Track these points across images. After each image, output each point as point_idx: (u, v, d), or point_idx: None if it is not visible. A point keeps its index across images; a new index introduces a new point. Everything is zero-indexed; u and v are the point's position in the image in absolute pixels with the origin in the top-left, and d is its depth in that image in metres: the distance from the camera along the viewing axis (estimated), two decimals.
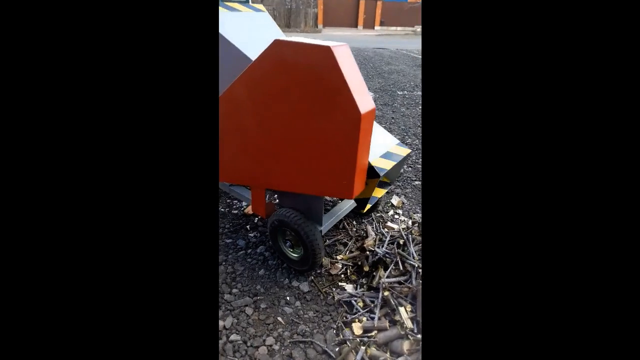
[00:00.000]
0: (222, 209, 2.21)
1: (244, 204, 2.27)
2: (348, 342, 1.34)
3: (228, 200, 2.31)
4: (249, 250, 1.85)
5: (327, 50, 1.06)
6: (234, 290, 1.59)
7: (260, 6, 1.94)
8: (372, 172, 1.38)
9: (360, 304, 1.50)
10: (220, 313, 1.48)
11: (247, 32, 1.68)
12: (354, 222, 2.10)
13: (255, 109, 1.37)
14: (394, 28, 22.21)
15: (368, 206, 1.57)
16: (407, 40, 14.30)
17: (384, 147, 1.56)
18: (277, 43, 1.16)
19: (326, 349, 1.33)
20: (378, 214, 2.18)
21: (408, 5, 21.28)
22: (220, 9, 1.68)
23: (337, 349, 1.34)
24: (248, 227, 2.04)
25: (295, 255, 1.66)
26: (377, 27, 22.99)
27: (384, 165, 1.41)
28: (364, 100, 1.13)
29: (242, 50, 1.55)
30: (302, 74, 1.14)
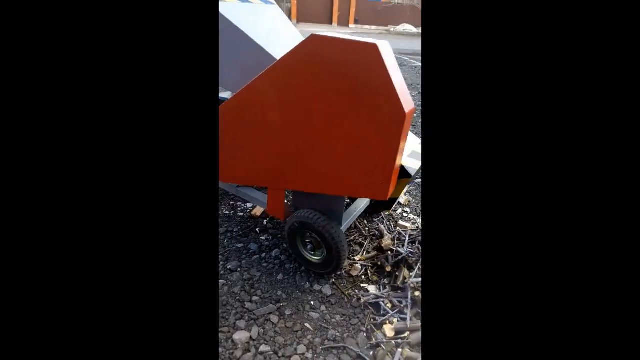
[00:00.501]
0: (227, 212, 2.11)
1: (249, 205, 2.18)
2: (382, 345, 1.32)
3: (232, 202, 2.21)
4: (263, 255, 1.77)
5: (373, 47, 1.02)
6: (255, 298, 1.52)
7: None
8: (402, 172, 1.36)
9: (389, 305, 1.49)
10: (244, 323, 1.40)
11: (262, 25, 1.61)
12: (365, 222, 2.08)
13: (283, 107, 1.30)
14: (368, 27, 22.46)
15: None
16: (384, 40, 14.47)
17: (409, 147, 1.54)
18: (314, 38, 1.11)
19: (360, 353, 1.30)
20: (387, 213, 2.17)
21: (381, 6, 21.59)
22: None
23: (371, 353, 1.31)
24: (257, 230, 1.96)
25: (317, 258, 1.61)
26: (351, 25, 23.14)
27: (414, 165, 1.40)
28: (407, 99, 1.10)
29: (262, 45, 1.47)
30: (343, 71, 1.09)
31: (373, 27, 22.48)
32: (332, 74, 1.12)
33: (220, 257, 1.75)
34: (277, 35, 1.65)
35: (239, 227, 1.97)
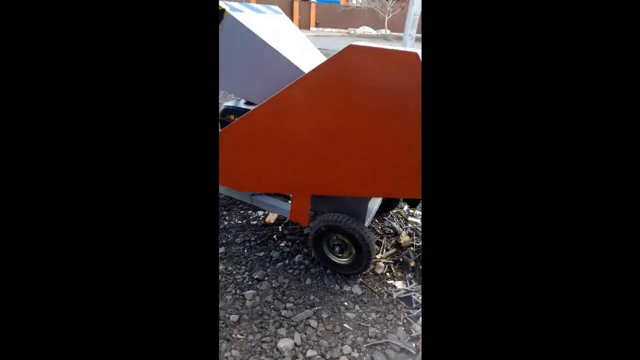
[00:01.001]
0: (240, 221, 2.09)
1: (260, 213, 2.17)
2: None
3: (242, 212, 2.19)
4: (286, 261, 1.78)
5: (415, 56, 1.08)
6: (288, 305, 1.53)
7: (276, 7, 1.87)
8: None
9: (420, 297, 1.56)
10: (284, 331, 1.41)
11: (280, 35, 1.62)
12: (376, 221, 2.15)
13: (317, 116, 1.33)
14: (329, 29, 22.80)
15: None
16: (346, 41, 14.77)
17: None
18: (352, 48, 1.15)
19: (404, 346, 1.36)
20: (395, 211, 2.26)
21: (341, 8, 22.02)
22: (245, 9, 1.59)
23: (413, 345, 1.38)
24: (275, 237, 1.96)
25: (345, 259, 1.65)
26: (312, 28, 23.36)
27: None
28: None
29: (286, 55, 1.49)
30: (383, 80, 1.15)
31: (334, 30, 22.85)
32: (371, 82, 1.18)
33: (244, 267, 1.73)
34: (295, 44, 1.68)
35: (256, 236, 1.96)
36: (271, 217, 2.07)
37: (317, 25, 23.82)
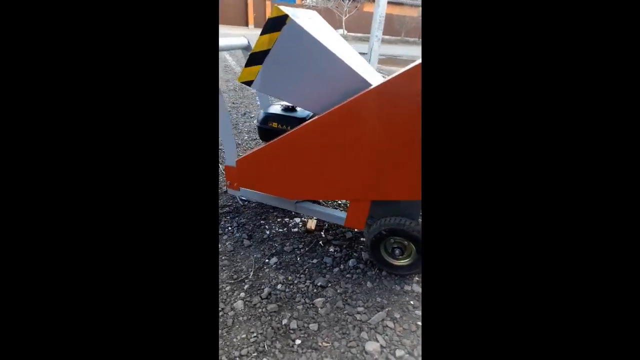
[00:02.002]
0: (280, 229, 2.07)
1: (297, 221, 2.16)
2: None
3: (279, 219, 2.16)
4: (341, 266, 1.81)
5: None
6: (359, 309, 1.57)
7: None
8: None
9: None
10: (366, 334, 1.45)
11: (332, 39, 1.64)
12: None
13: (391, 124, 1.39)
14: None
15: None
16: None
17: None
18: None
19: None
20: None
21: (297, 6, 21.96)
22: (297, 12, 1.58)
23: None
24: (321, 243, 1.98)
25: (405, 261, 1.73)
26: (250, 26, 23.00)
27: None
28: None
29: (350, 65, 1.52)
30: None
31: None
32: None
33: (303, 275, 1.73)
34: (344, 47, 1.70)
35: (303, 243, 1.96)
36: (311, 224, 2.08)
37: (256, 23, 23.52)
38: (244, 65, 1.59)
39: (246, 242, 1.93)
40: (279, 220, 2.16)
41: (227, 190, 2.04)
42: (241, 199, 2.34)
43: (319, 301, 1.58)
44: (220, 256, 1.82)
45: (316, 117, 1.58)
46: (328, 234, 2.06)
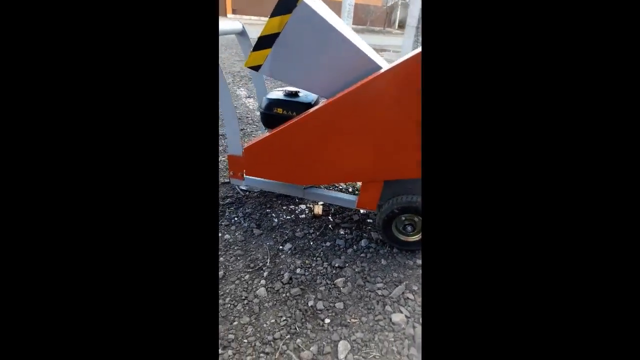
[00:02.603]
0: (288, 216, 2.07)
1: (302, 207, 2.17)
2: None
3: (284, 207, 2.16)
4: (354, 247, 1.86)
5: None
6: (379, 285, 1.63)
7: None
8: None
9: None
10: (389, 307, 1.51)
11: (337, 21, 1.64)
12: None
13: (403, 106, 1.43)
14: (247, 17, 21.98)
15: None
16: None
17: None
18: None
19: None
20: None
21: None
22: None
23: None
24: (330, 227, 2.01)
25: (416, 236, 1.80)
26: (229, 15, 22.25)
27: None
28: None
29: (360, 48, 1.53)
30: None
31: (254, 17, 22.13)
32: None
33: (319, 258, 1.76)
34: (347, 29, 1.71)
35: (313, 228, 1.98)
36: (318, 209, 2.10)
37: (234, 12, 22.75)
38: (228, 50, 1.55)
39: (256, 231, 1.91)
40: (284, 208, 2.16)
41: (229, 181, 2.00)
42: (241, 189, 2.30)
43: (339, 281, 1.62)
44: (232, 246, 1.79)
45: (327, 100, 1.59)
46: (336, 218, 2.09)
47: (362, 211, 2.16)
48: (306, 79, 1.62)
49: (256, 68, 1.60)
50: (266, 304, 1.48)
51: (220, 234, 1.87)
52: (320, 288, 1.58)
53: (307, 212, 2.13)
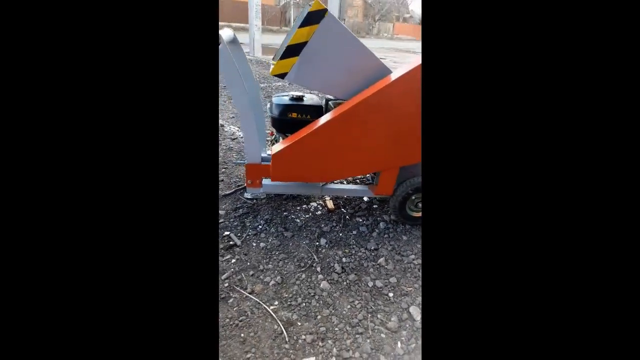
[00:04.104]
0: (307, 215, 2.16)
1: (314, 205, 2.28)
2: None
3: (297, 208, 2.23)
4: (376, 231, 2.07)
5: None
6: (412, 257, 1.89)
7: None
8: None
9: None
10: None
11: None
12: None
13: (417, 100, 1.70)
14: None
15: None
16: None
17: None
18: None
19: None
20: None
21: None
22: None
23: None
24: (347, 217, 2.18)
25: None
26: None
27: None
28: None
29: (373, 53, 1.74)
30: None
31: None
32: None
33: (355, 246, 1.92)
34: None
35: (334, 222, 2.12)
36: (330, 204, 2.25)
37: None
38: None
39: (287, 234, 1.97)
40: (298, 208, 2.24)
41: (245, 191, 1.99)
42: (247, 198, 2.28)
43: (381, 260, 1.82)
44: (274, 252, 1.82)
45: (348, 101, 1.76)
46: (347, 209, 2.27)
47: (365, 199, 2.39)
48: (328, 83, 1.76)
49: (282, 75, 1.67)
50: (335, 295, 1.59)
51: (254, 244, 1.87)
52: (370, 270, 1.76)
53: (320, 208, 2.26)
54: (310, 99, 2.05)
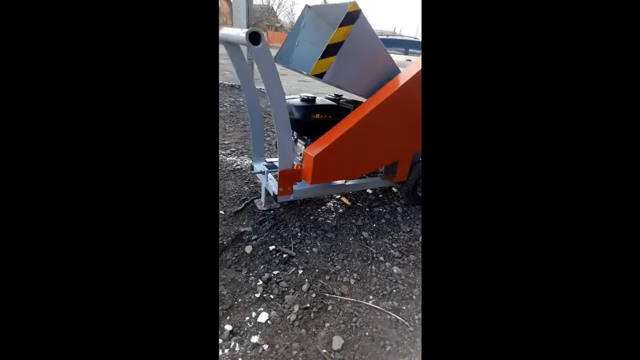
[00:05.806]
0: (332, 215, 2.16)
1: (330, 205, 2.29)
2: None
3: (318, 211, 2.20)
4: (398, 216, 2.24)
5: None
6: None
7: None
8: None
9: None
10: None
11: None
12: None
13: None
14: None
15: None
16: None
17: None
18: None
19: None
20: None
21: None
22: None
23: None
24: (367, 209, 2.27)
25: None
26: None
27: None
28: None
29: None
30: None
31: None
32: None
33: (392, 232, 2.04)
34: None
35: (360, 216, 2.19)
36: (347, 201, 2.30)
37: None
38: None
39: (329, 235, 1.94)
40: (319, 211, 2.21)
41: (275, 199, 1.86)
42: (263, 209, 2.13)
43: (422, 239, 2.00)
44: (329, 254, 1.78)
45: (371, 98, 1.87)
46: (363, 202, 2.37)
47: (369, 191, 2.53)
48: (356, 81, 1.84)
49: (320, 75, 1.67)
50: (410, 275, 1.68)
51: (307, 251, 1.79)
52: (419, 248, 1.91)
53: (339, 206, 2.29)
54: (322, 99, 2.08)
